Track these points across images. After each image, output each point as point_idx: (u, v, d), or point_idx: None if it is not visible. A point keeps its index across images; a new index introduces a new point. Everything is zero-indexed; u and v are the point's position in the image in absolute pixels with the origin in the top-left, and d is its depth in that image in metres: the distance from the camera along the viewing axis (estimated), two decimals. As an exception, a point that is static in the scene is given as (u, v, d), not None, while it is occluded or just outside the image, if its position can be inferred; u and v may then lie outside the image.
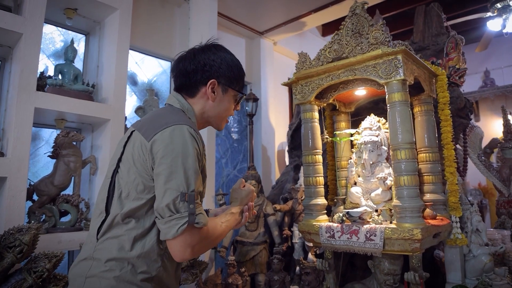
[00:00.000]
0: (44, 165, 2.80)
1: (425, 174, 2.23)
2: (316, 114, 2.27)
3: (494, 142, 3.47)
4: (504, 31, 4.51)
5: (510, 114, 3.66)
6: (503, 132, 3.42)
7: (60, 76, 2.56)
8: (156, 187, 1.07)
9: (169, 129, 1.09)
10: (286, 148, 4.09)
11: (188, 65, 1.29)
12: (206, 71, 1.28)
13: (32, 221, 2.31)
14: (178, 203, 1.03)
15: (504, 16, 4.37)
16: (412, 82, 1.97)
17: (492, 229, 2.69)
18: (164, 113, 1.21)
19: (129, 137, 1.20)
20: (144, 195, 1.11)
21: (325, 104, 2.38)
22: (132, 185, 1.12)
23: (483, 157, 3.31)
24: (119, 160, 1.18)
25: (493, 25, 4.57)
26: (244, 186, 1.36)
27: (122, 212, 1.11)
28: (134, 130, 1.19)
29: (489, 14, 4.51)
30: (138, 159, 1.11)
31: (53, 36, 2.97)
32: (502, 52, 6.29)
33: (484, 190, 5.55)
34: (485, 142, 3.52)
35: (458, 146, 2.83)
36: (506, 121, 3.41)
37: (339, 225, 1.99)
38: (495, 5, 4.35)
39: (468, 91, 5.88)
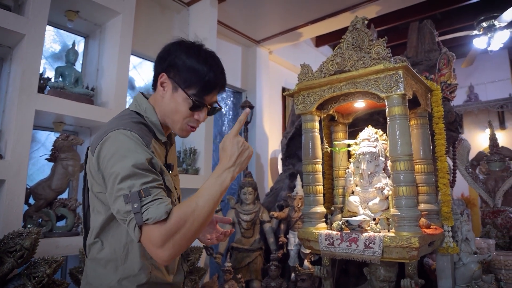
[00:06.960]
0: (40, 168, 2.77)
1: (420, 184, 2.31)
2: (317, 125, 2.33)
3: (480, 155, 3.61)
4: (489, 49, 4.71)
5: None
6: (489, 146, 3.57)
7: (61, 79, 2.55)
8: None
9: (105, 138, 1.03)
10: (280, 156, 4.13)
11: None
12: (161, 63, 1.17)
13: (29, 225, 2.27)
14: (124, 207, 0.94)
15: (489, 35, 4.58)
16: (411, 97, 2.05)
17: (478, 238, 2.79)
18: (110, 122, 1.13)
19: (86, 153, 1.15)
20: (106, 210, 1.07)
21: (325, 115, 2.44)
22: (96, 200, 1.09)
23: (470, 169, 3.44)
24: (84, 177, 1.17)
25: (479, 42, 4.77)
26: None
27: (94, 227, 1.09)
28: (88, 146, 1.14)
29: (475, 32, 4.71)
30: (95, 175, 1.06)
31: (51, 38, 2.95)
32: (485, 68, 6.55)
33: (467, 201, 5.72)
34: (472, 155, 3.65)
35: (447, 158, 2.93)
36: (492, 135, 3.55)
37: (339, 233, 2.04)
38: (481, 24, 4.56)
39: (452, 104, 6.06)
